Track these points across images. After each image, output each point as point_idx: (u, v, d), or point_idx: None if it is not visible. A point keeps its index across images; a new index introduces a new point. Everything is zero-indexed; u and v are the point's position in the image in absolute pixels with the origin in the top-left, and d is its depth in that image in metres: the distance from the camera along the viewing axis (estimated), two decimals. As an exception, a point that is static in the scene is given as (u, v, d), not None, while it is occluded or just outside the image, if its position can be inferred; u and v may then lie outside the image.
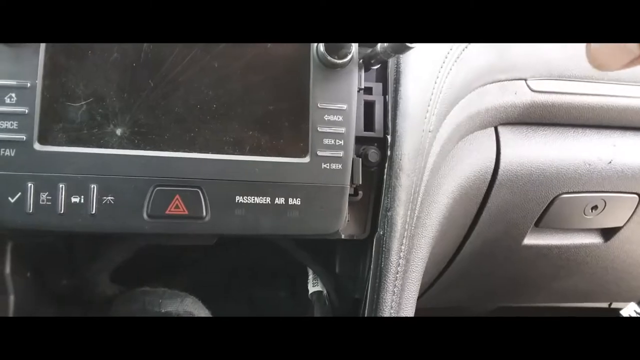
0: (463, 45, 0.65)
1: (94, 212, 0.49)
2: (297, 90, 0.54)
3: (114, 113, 0.49)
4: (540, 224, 0.86)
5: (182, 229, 0.52)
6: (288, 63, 0.54)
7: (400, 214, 0.60)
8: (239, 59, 0.52)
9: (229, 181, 0.52)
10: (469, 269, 0.94)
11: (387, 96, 0.60)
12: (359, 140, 0.58)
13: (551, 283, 1.06)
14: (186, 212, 0.51)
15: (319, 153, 0.54)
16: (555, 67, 0.74)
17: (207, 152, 0.51)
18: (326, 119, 0.54)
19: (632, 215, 0.88)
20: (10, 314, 0.60)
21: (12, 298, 0.60)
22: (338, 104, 0.54)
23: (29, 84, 0.48)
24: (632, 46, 0.33)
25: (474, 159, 0.73)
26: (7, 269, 0.59)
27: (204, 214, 0.51)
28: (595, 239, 0.93)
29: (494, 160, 0.75)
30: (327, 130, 0.54)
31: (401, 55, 0.61)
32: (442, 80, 0.63)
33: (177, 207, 0.51)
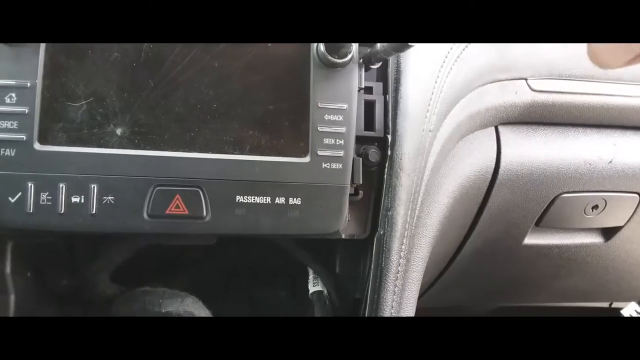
0: (463, 44, 0.65)
1: (94, 212, 0.49)
2: (297, 89, 0.54)
3: (114, 113, 0.49)
4: (540, 223, 0.86)
5: (182, 229, 0.52)
6: (288, 63, 0.54)
7: (401, 213, 0.60)
8: (239, 58, 0.52)
9: (229, 181, 0.52)
10: (470, 268, 0.94)
11: (387, 96, 0.60)
12: (360, 139, 0.58)
13: (552, 283, 1.06)
14: (186, 212, 0.51)
15: (320, 153, 0.54)
16: (556, 67, 0.74)
17: (208, 152, 0.51)
18: (326, 118, 0.54)
19: (632, 215, 0.88)
20: (11, 314, 0.60)
21: (12, 298, 0.60)
22: (338, 104, 0.54)
23: (29, 84, 0.48)
24: (634, 44, 0.33)
25: (474, 159, 0.73)
26: (8, 269, 0.59)
27: (204, 213, 0.51)
28: (595, 239, 0.93)
29: (494, 160, 0.75)
30: (328, 129, 0.54)
31: (401, 55, 0.61)
32: (442, 80, 0.63)
33: (177, 206, 0.51)
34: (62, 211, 0.48)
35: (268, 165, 0.52)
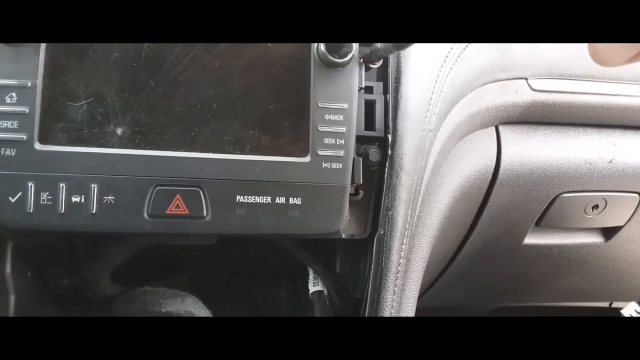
0: (463, 44, 0.65)
1: (94, 211, 0.49)
2: (297, 89, 0.54)
3: (115, 112, 0.49)
4: (541, 223, 0.86)
5: (182, 229, 0.52)
6: (288, 62, 0.54)
7: (401, 213, 0.60)
8: (240, 58, 0.52)
9: (230, 181, 0.52)
10: (470, 268, 0.94)
11: (387, 95, 0.60)
12: (360, 139, 0.58)
13: (552, 282, 1.06)
14: (187, 212, 0.51)
15: (320, 152, 0.54)
16: (556, 66, 0.74)
17: (208, 152, 0.51)
18: (327, 118, 0.54)
19: (633, 215, 0.88)
20: (11, 314, 0.60)
21: (12, 298, 0.60)
22: (339, 103, 0.54)
23: (29, 84, 0.48)
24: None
25: (474, 158, 0.73)
26: (8, 269, 0.59)
27: (205, 213, 0.51)
28: (596, 239, 0.93)
29: (494, 160, 0.75)
30: (328, 129, 0.54)
31: (402, 55, 0.61)
32: (442, 80, 0.63)
33: (177, 206, 0.51)
34: (63, 211, 0.48)
35: (268, 165, 0.52)
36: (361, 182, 0.57)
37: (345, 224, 0.57)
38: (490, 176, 0.76)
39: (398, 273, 0.61)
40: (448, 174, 0.69)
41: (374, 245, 0.61)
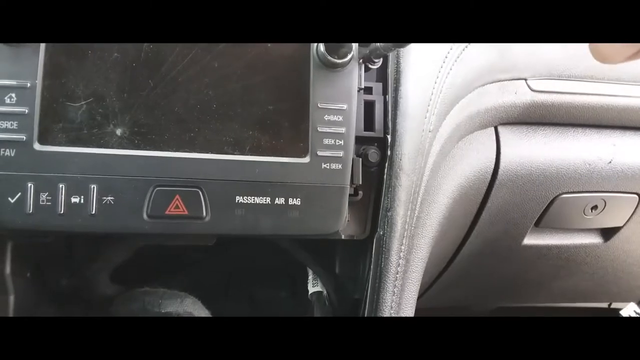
0: (463, 45, 0.65)
1: (93, 212, 0.49)
2: (297, 90, 0.54)
3: (114, 113, 0.49)
4: (540, 224, 0.86)
5: (182, 229, 0.52)
6: (288, 63, 0.54)
7: (400, 214, 0.60)
8: (239, 58, 0.52)
9: (229, 181, 0.52)
10: (469, 269, 0.94)
11: (387, 96, 0.61)
12: (359, 140, 0.58)
13: (551, 283, 1.06)
14: (186, 212, 0.51)
15: (319, 153, 0.54)
16: (556, 67, 0.74)
17: (207, 152, 0.51)
18: (326, 119, 0.54)
19: (632, 215, 0.88)
20: (10, 314, 0.60)
21: (12, 298, 0.60)
22: (338, 104, 0.54)
23: (29, 84, 0.48)
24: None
25: (474, 159, 0.73)
26: (7, 269, 0.59)
27: (204, 214, 0.51)
28: (595, 239, 0.93)
29: (494, 160, 0.75)
30: (327, 130, 0.54)
31: (401, 55, 0.61)
32: (442, 80, 0.63)
33: (177, 207, 0.51)
34: (62, 211, 0.48)
35: (268, 166, 0.52)
36: (360, 182, 0.57)
37: (345, 225, 0.57)
38: (489, 177, 0.76)
39: (397, 274, 0.61)
40: (447, 175, 0.69)
41: (373, 246, 0.61)
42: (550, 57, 0.74)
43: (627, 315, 1.27)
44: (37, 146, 0.48)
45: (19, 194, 0.48)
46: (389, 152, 0.59)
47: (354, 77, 0.55)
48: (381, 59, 0.59)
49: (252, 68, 0.52)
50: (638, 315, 1.24)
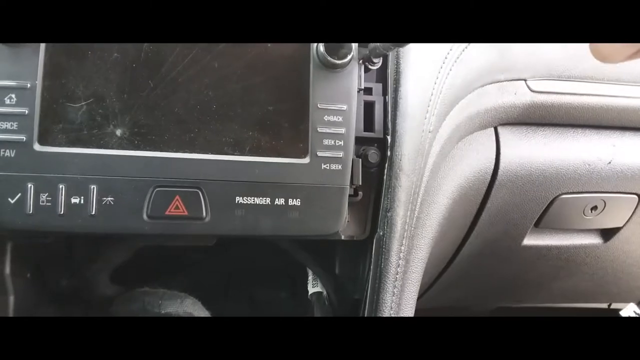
0: (463, 45, 0.65)
1: (93, 212, 0.49)
2: (297, 90, 0.54)
3: (114, 114, 0.49)
4: (540, 224, 0.86)
5: (182, 230, 0.52)
6: (288, 63, 0.54)
7: (400, 214, 0.60)
8: (239, 59, 0.52)
9: (229, 182, 0.52)
10: (469, 269, 0.94)
11: (387, 96, 0.61)
12: (359, 140, 0.58)
13: (551, 283, 1.06)
14: (186, 213, 0.51)
15: (319, 154, 0.54)
16: (555, 68, 0.74)
17: (207, 153, 0.51)
18: (326, 119, 0.54)
19: (631, 216, 0.88)
20: (10, 314, 0.60)
21: (12, 298, 0.60)
22: (338, 105, 0.54)
23: (28, 85, 0.48)
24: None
25: (473, 160, 0.73)
26: (7, 270, 0.59)
27: (204, 214, 0.51)
28: (594, 240, 0.93)
29: (493, 161, 0.75)
30: (327, 130, 0.54)
31: (401, 55, 0.61)
32: (442, 81, 0.63)
33: (177, 207, 0.51)
34: (62, 212, 0.48)
35: (268, 166, 0.52)
36: (360, 183, 0.57)
37: (345, 225, 0.57)
38: (489, 177, 0.76)
39: (397, 274, 0.61)
40: (447, 175, 0.70)
41: (373, 247, 0.61)
42: (550, 57, 0.74)
43: (626, 316, 1.27)
44: (37, 147, 0.48)
45: (19, 194, 0.48)
46: (388, 153, 0.59)
47: (354, 77, 0.55)
48: (381, 60, 0.59)
49: (252, 68, 0.52)
50: (638, 316, 1.24)
